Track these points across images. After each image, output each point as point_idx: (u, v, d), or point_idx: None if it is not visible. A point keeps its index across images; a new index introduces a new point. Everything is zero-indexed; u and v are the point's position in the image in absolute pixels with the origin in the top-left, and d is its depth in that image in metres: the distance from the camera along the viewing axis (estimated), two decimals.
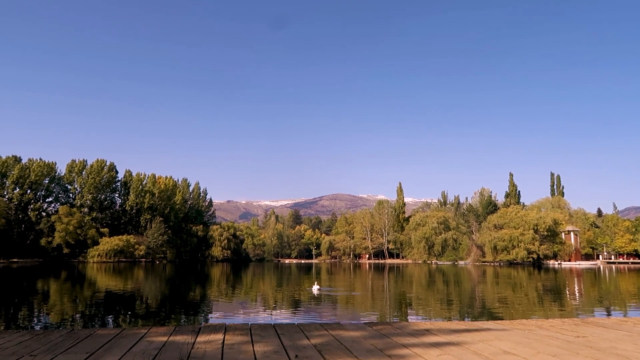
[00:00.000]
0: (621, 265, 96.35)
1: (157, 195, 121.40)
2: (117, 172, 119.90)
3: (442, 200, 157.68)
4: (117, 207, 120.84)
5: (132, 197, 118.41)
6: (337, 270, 72.72)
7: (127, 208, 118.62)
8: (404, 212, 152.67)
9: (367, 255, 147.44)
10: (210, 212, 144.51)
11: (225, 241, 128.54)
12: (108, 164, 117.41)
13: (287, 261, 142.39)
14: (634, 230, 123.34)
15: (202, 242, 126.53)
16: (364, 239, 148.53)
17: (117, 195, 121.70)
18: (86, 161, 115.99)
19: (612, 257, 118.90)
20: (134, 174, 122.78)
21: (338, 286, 35.39)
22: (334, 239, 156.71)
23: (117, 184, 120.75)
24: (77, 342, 6.16)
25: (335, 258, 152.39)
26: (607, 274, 59.14)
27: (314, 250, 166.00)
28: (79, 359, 5.23)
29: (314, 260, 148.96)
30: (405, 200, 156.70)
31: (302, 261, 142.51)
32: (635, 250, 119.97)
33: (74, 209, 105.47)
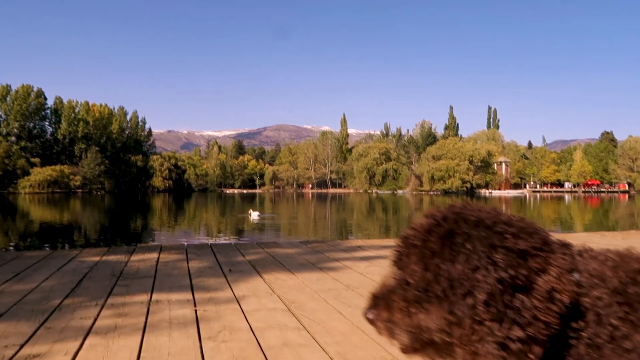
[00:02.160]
0: (545, 194, 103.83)
1: (91, 124, 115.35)
2: (45, 99, 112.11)
3: (384, 132, 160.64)
4: (49, 137, 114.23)
5: (64, 125, 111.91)
6: (281, 200, 73.67)
7: (60, 137, 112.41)
8: (347, 143, 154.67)
9: (310, 185, 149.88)
10: (150, 142, 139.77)
11: (167, 171, 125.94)
12: (35, 89, 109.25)
13: (230, 191, 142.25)
14: (558, 161, 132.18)
15: (142, 172, 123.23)
16: (308, 169, 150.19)
17: (47, 123, 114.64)
18: (10, 86, 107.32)
19: (538, 186, 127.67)
20: (65, 102, 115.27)
21: (281, 214, 35.97)
22: (277, 169, 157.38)
23: (46, 112, 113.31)
24: (2, 264, 5.98)
25: (279, 188, 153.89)
26: (531, 202, 63.66)
27: (257, 181, 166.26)
28: (4, 278, 5.10)
29: (258, 190, 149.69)
30: (349, 131, 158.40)
31: (246, 191, 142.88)
32: (558, 180, 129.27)
33: (0, 138, 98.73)
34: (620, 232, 11.88)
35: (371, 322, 1.03)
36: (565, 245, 1.00)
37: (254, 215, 27.64)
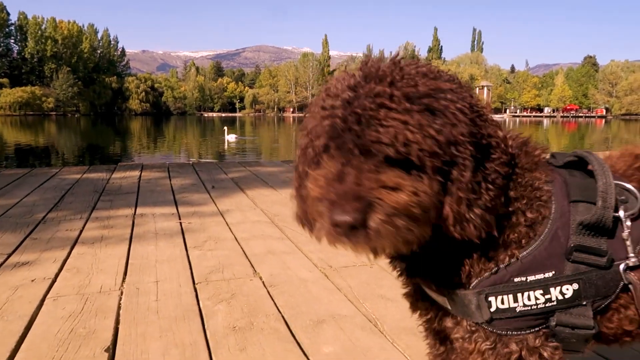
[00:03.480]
0: (524, 119, 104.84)
1: (60, 42, 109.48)
2: (8, 14, 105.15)
3: (367, 55, 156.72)
4: (16, 55, 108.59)
5: (31, 43, 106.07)
6: (262, 123, 72.96)
7: (27, 56, 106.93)
8: (329, 66, 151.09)
9: (292, 109, 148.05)
10: (124, 63, 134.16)
11: (143, 94, 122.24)
12: None
13: (210, 115, 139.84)
14: (540, 86, 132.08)
15: (117, 94, 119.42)
16: (289, 92, 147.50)
17: (12, 41, 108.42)
18: None
19: (518, 111, 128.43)
20: (29, 18, 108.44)
21: (262, 137, 35.75)
22: (257, 92, 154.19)
23: (10, 29, 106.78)
24: None
25: (260, 112, 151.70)
26: (510, 127, 64.30)
27: (237, 104, 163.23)
28: None
29: (238, 114, 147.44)
30: (331, 53, 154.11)
31: (225, 115, 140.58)
32: (538, 105, 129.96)
33: None
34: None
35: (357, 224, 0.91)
36: None
37: (230, 137, 26.49)
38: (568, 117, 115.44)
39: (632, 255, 1.03)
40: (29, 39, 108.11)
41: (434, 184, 0.92)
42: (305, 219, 1.02)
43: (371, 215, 0.86)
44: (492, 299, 1.04)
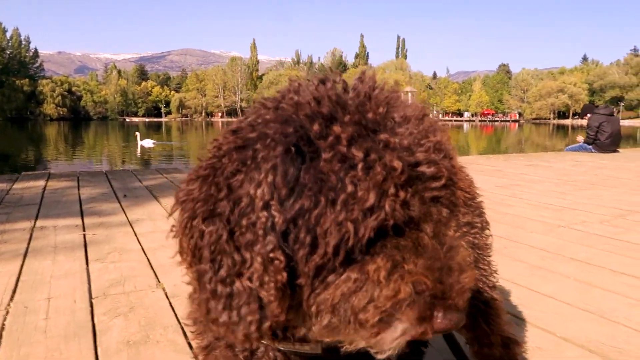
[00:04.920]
0: (446, 123, 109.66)
1: None
2: None
3: (295, 60, 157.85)
4: None
5: None
6: (189, 128, 71.15)
7: None
8: (257, 70, 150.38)
9: (220, 114, 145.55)
10: (37, 65, 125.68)
11: (60, 98, 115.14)
12: None
13: (134, 120, 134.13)
14: (460, 92, 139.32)
15: (30, 98, 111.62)
16: (217, 97, 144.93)
17: None
18: None
19: (440, 115, 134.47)
20: None
21: (190, 142, 34.85)
22: (184, 97, 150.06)
23: None
24: None
25: (187, 116, 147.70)
26: None
27: (163, 109, 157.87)
28: None
29: (164, 119, 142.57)
30: (259, 58, 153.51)
31: (150, 120, 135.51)
32: (459, 110, 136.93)
33: None
34: (503, 155, 13.06)
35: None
36: None
37: (146, 142, 24.02)
38: (485, 121, 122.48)
39: None
40: None
41: None
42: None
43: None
44: None
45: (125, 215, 4.48)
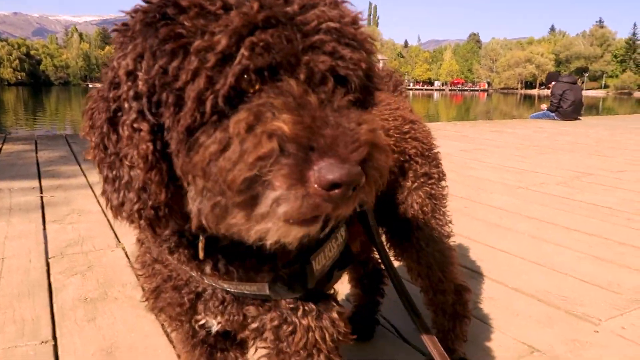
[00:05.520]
0: (417, 92, 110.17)
1: None
2: None
3: None
4: None
5: None
6: None
7: None
8: None
9: None
10: None
11: (17, 61, 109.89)
12: None
13: (97, 85, 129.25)
14: (431, 60, 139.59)
15: None
16: None
17: None
18: None
19: (411, 84, 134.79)
20: None
21: None
22: None
23: None
24: None
25: None
26: None
27: None
28: None
29: None
30: None
31: None
32: (429, 79, 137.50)
33: None
34: (470, 122, 13.26)
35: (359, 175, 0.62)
36: None
37: None
38: (455, 90, 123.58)
39: None
40: None
41: None
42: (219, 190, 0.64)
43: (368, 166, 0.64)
44: (313, 263, 0.91)
45: (86, 177, 4.36)
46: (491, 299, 2.12)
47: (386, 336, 1.84)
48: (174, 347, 1.71)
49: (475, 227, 3.14)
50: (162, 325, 1.86)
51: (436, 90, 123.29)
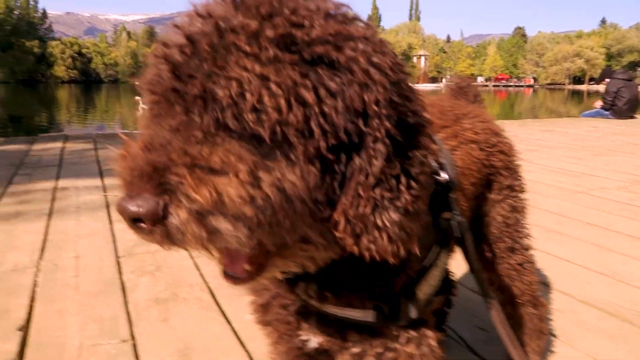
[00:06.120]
0: None
1: None
2: None
3: None
4: None
5: None
6: None
7: None
8: None
9: None
10: (46, 26, 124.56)
11: (70, 60, 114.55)
12: None
13: None
14: (474, 56, 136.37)
15: (41, 60, 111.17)
16: None
17: None
18: None
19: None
20: None
21: None
22: None
23: None
24: None
25: None
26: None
27: None
28: None
29: None
30: None
31: None
32: (472, 74, 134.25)
33: None
34: (518, 120, 12.90)
35: (154, 218, 0.58)
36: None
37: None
38: (499, 86, 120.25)
39: (457, 213, 1.00)
40: None
41: (310, 174, 0.64)
42: None
43: (171, 207, 0.58)
44: (418, 293, 0.92)
45: None
46: (560, 312, 2.08)
47: (453, 347, 1.83)
48: (246, 351, 1.77)
49: (533, 233, 3.06)
50: (233, 327, 1.92)
51: (479, 86, 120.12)
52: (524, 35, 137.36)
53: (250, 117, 0.60)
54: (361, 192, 0.67)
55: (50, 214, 3.36)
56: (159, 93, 0.66)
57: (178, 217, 0.58)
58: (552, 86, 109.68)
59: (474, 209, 1.31)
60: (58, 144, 6.25)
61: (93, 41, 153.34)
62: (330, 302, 0.89)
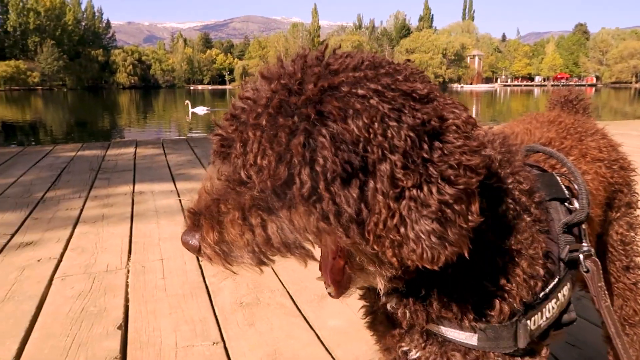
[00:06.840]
0: (515, 88, 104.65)
1: (43, 14, 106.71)
2: None
3: (357, 24, 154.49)
4: None
5: (12, 16, 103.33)
6: None
7: (9, 29, 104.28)
8: (318, 36, 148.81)
9: None
10: (110, 35, 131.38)
11: (131, 67, 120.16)
12: None
13: (199, 87, 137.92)
14: (531, 55, 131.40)
15: (104, 68, 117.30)
16: None
17: None
18: None
19: (509, 80, 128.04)
20: None
21: None
22: (247, 64, 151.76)
23: None
24: None
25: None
26: (502, 96, 64.23)
27: (227, 76, 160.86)
28: None
29: (228, 87, 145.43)
30: (321, 23, 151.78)
31: (211, 87, 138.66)
32: (529, 74, 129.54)
33: None
34: None
35: (196, 251, 0.78)
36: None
37: (199, 110, 25.25)
38: (559, 85, 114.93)
39: (585, 244, 0.99)
40: (10, 11, 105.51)
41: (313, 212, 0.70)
42: None
43: (202, 244, 0.77)
44: (528, 322, 0.90)
45: None
46: None
47: None
48: (333, 358, 1.80)
49: None
50: (317, 334, 1.96)
51: (537, 85, 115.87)
52: (585, 32, 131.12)
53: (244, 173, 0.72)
54: (382, 208, 0.69)
55: (132, 217, 3.54)
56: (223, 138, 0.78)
57: (206, 250, 0.77)
58: (617, 85, 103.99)
59: (597, 231, 1.28)
60: (130, 149, 6.58)
61: (152, 48, 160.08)
62: (438, 322, 0.90)
